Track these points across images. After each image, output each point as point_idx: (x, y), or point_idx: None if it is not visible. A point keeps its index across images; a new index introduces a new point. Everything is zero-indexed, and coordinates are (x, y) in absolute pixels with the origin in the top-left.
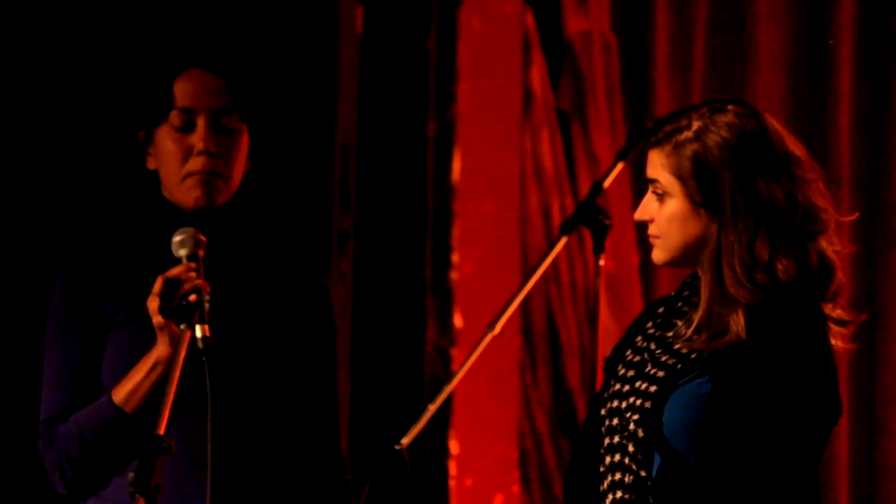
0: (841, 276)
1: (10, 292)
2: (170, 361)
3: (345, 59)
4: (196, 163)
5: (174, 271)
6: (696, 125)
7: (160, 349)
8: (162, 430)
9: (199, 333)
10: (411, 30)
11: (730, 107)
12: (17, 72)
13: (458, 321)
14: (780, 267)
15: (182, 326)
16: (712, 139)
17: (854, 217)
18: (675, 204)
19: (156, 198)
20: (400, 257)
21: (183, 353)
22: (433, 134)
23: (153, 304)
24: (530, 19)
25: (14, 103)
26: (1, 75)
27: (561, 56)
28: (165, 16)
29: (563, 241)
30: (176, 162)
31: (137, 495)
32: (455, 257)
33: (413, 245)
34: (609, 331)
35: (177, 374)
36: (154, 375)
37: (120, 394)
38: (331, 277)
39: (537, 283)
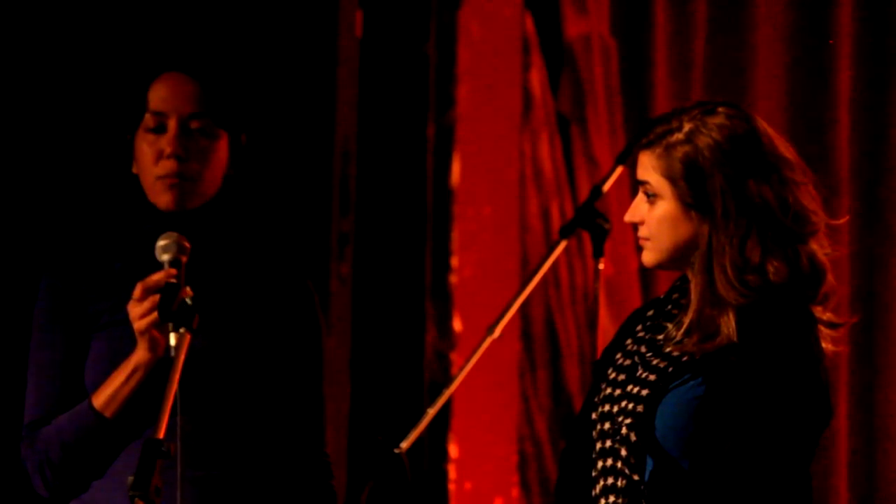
0: (831, 278)
1: None
2: (147, 367)
3: (344, 63)
4: (165, 166)
5: (154, 278)
6: (686, 127)
7: (140, 354)
8: (161, 434)
9: (172, 342)
10: (411, 33)
11: (720, 109)
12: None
13: (457, 325)
14: (770, 269)
15: (182, 330)
16: (703, 141)
17: (844, 220)
18: (666, 206)
19: (139, 201)
20: (399, 260)
21: (182, 357)
22: (432, 137)
23: (134, 310)
24: (529, 23)
25: None
26: None
27: (560, 59)
28: (150, 17)
29: (563, 244)
30: (149, 164)
31: (137, 498)
32: (454, 261)
33: (412, 248)
34: (608, 334)
35: (176, 377)
36: (134, 381)
37: (100, 399)
38: (330, 281)
39: (537, 286)
